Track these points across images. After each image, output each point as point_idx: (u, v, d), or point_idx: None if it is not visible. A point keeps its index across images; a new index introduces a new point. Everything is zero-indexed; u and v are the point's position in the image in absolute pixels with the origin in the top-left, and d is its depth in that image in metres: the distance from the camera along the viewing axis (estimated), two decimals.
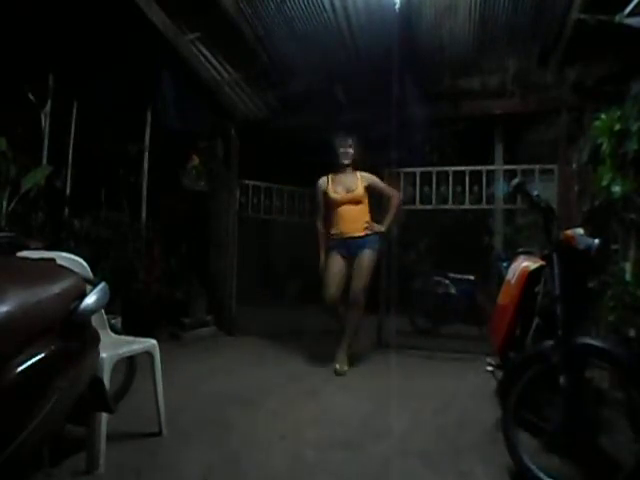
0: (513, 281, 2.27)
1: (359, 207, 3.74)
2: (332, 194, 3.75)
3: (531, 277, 2.16)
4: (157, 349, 2.30)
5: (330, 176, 3.84)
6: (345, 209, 3.72)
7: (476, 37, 3.99)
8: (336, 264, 3.67)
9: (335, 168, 3.83)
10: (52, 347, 1.04)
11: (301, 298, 5.87)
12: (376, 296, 4.59)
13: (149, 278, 4.39)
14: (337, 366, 3.51)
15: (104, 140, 4.55)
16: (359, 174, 3.81)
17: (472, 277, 5.05)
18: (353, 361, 3.68)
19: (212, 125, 5.21)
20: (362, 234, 3.68)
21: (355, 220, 3.70)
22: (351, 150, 3.78)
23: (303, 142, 5.02)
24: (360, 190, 3.74)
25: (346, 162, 3.78)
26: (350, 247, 3.67)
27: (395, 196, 3.91)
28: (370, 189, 3.81)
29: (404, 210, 5.11)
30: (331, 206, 3.78)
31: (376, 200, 3.96)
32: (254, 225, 5.43)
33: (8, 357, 0.91)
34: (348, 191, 3.73)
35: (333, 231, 3.74)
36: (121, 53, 3.94)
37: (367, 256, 3.64)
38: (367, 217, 3.76)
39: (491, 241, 5.39)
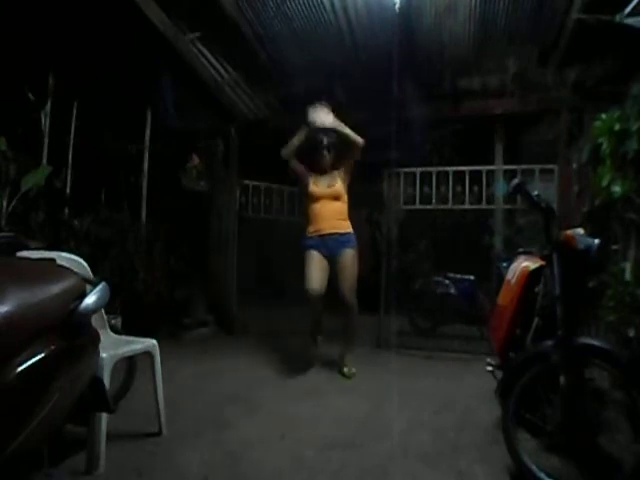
0: (513, 281, 2.27)
1: (339, 203, 3.60)
2: (312, 187, 3.60)
3: (531, 277, 2.15)
4: (157, 349, 2.31)
5: (313, 175, 3.68)
6: (324, 205, 3.57)
7: (476, 37, 3.99)
8: (316, 261, 3.51)
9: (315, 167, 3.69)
10: (52, 347, 1.04)
11: (301, 298, 5.86)
12: (376, 296, 4.60)
13: (149, 278, 4.38)
14: (345, 369, 3.50)
15: (104, 140, 4.55)
16: (336, 171, 3.67)
17: (472, 277, 5.04)
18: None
19: (212, 125, 5.21)
20: (342, 231, 3.55)
21: (334, 217, 3.57)
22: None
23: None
24: (340, 184, 3.60)
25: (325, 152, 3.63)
26: (330, 246, 3.52)
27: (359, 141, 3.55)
28: (345, 167, 3.63)
29: (404, 210, 5.13)
30: (310, 202, 3.64)
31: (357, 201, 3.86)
32: (254, 225, 5.43)
33: (8, 357, 0.91)
34: (328, 186, 3.60)
35: (311, 229, 3.59)
36: (121, 53, 3.94)
37: (350, 256, 3.51)
38: (346, 214, 3.63)
39: (491, 241, 5.39)
